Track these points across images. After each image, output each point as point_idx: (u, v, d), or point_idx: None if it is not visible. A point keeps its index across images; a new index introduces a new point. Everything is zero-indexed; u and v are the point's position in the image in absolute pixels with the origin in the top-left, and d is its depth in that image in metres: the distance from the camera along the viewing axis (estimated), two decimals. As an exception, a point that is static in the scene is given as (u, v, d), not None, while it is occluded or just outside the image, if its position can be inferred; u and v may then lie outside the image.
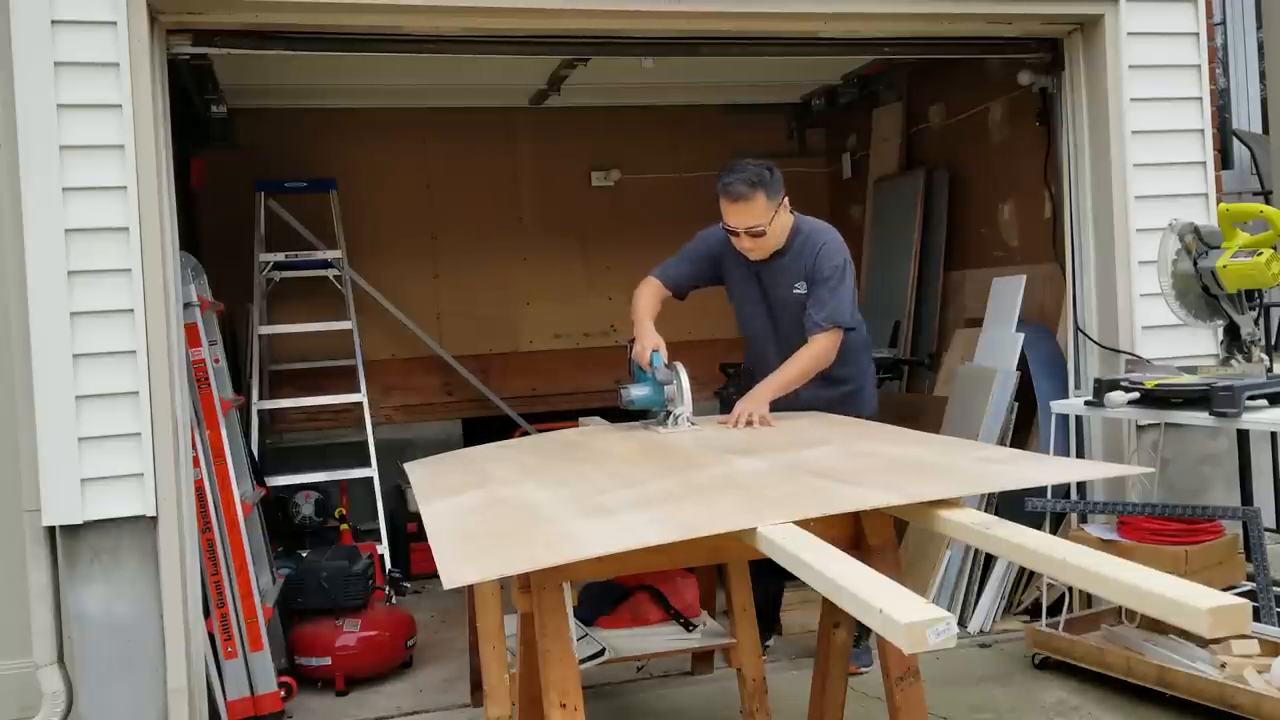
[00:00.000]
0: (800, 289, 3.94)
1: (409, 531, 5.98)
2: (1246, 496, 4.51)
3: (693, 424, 3.62)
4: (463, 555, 2.36)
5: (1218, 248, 4.02)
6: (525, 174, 7.26)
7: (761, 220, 3.82)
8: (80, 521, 3.65)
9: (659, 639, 3.90)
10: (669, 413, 3.64)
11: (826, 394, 3.99)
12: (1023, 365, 4.89)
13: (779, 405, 3.79)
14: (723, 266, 4.10)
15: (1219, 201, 4.56)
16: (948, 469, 2.72)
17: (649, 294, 4.08)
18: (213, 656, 3.98)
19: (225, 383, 4.64)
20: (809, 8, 4.33)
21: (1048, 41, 4.79)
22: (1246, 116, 7.26)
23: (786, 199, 3.90)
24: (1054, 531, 4.58)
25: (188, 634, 3.76)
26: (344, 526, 5.85)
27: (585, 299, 7.36)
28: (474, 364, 7.13)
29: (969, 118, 5.95)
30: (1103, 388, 4.05)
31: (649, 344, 3.80)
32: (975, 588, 4.70)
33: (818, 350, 3.85)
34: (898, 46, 4.90)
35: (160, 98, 3.83)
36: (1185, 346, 4.51)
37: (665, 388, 3.64)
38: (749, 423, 3.58)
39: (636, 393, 3.72)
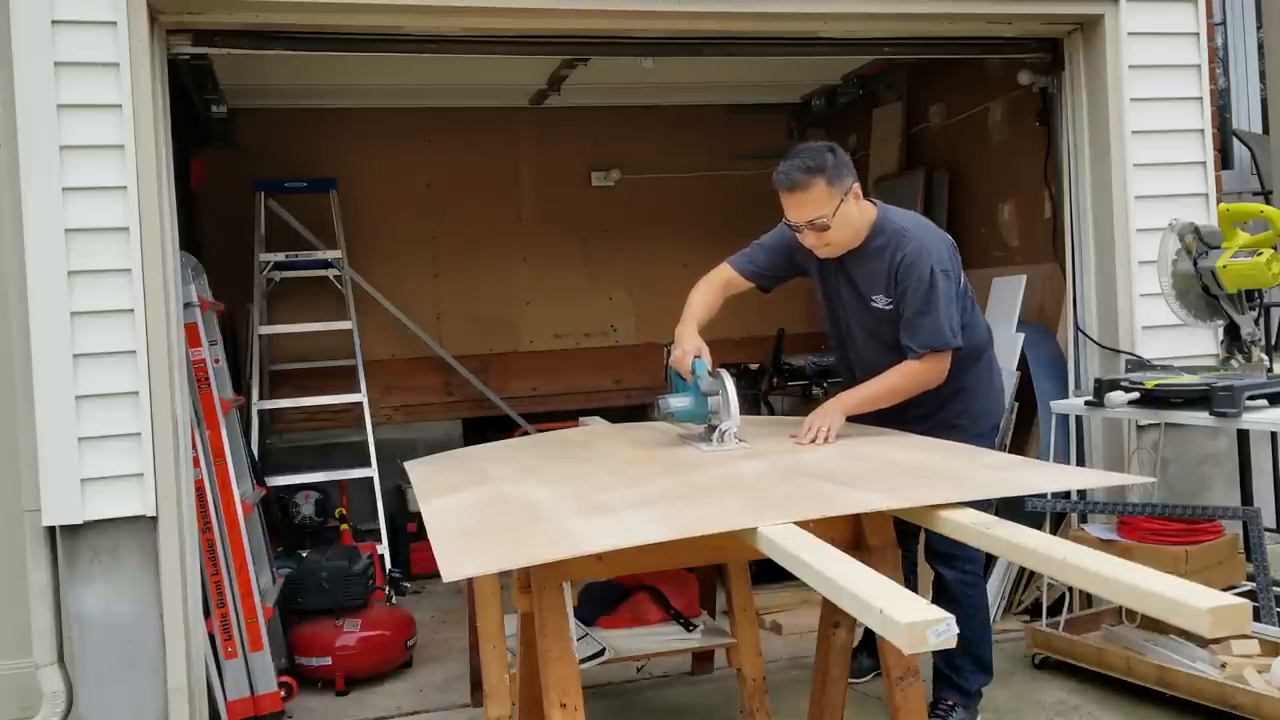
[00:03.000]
0: (880, 302, 3.40)
1: (409, 531, 5.98)
2: (1246, 496, 4.51)
3: (741, 441, 3.19)
4: (462, 550, 2.37)
5: (1218, 248, 4.02)
6: (525, 174, 7.26)
7: (823, 211, 3.27)
8: (80, 521, 3.65)
9: (659, 639, 3.89)
10: (713, 427, 3.23)
11: (911, 414, 3.42)
12: (1023, 365, 4.89)
13: (882, 423, 3.39)
14: (802, 258, 3.56)
15: (1219, 201, 4.55)
16: (949, 474, 2.71)
17: (710, 289, 3.60)
18: (213, 656, 3.97)
19: (225, 383, 4.64)
20: (809, 8, 4.33)
21: (1048, 41, 4.79)
22: (1247, 116, 7.27)
23: (857, 186, 3.34)
24: (1054, 531, 4.58)
25: (188, 634, 3.76)
26: (344, 526, 5.85)
27: (585, 299, 7.37)
28: (474, 364, 7.12)
29: (969, 118, 5.95)
30: (1103, 388, 4.05)
31: (690, 348, 3.35)
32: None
33: (915, 370, 3.32)
34: (898, 46, 4.90)
35: (160, 98, 3.82)
36: (1185, 346, 4.50)
37: (709, 399, 3.24)
38: (813, 439, 3.18)
39: (676, 404, 3.29)
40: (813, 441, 3.15)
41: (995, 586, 4.70)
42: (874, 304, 3.42)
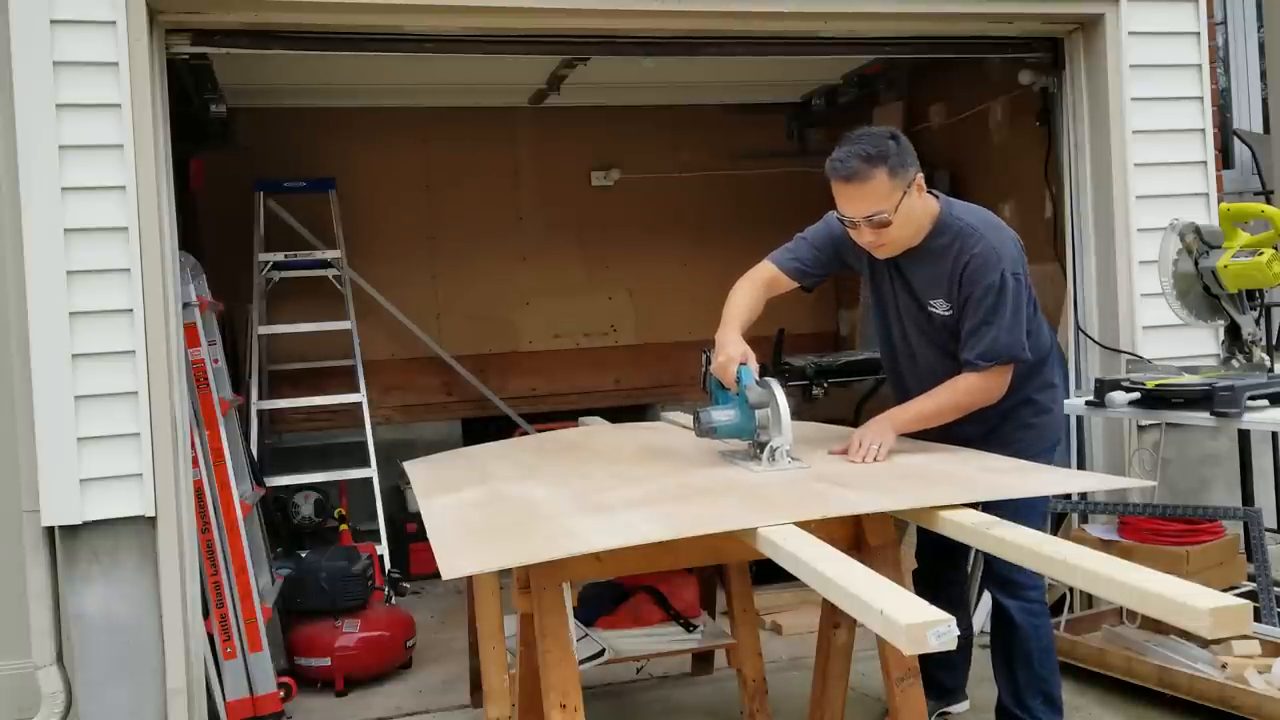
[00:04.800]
0: (939, 307, 3.07)
1: (408, 532, 5.98)
2: (1247, 497, 4.51)
3: (794, 460, 2.87)
4: (461, 548, 2.37)
5: (1219, 247, 4.02)
6: (525, 174, 7.26)
7: (883, 205, 2.92)
8: (79, 522, 3.64)
9: (659, 639, 3.90)
10: (761, 444, 2.89)
11: (968, 430, 3.10)
12: (1023, 365, 4.88)
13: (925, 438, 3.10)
14: (850, 255, 3.23)
15: (1220, 201, 4.55)
16: (949, 477, 2.70)
17: (751, 288, 3.23)
18: (212, 657, 3.97)
19: (224, 383, 4.63)
20: (809, 7, 4.32)
21: (1048, 41, 4.78)
22: (1247, 116, 7.26)
23: (921, 178, 3.02)
24: (1055, 531, 4.58)
25: (187, 634, 3.76)
26: (343, 527, 5.84)
27: (585, 299, 7.36)
28: (473, 364, 7.12)
29: (969, 117, 5.95)
30: (1104, 388, 4.04)
31: (735, 354, 2.97)
32: (976, 588, 4.69)
33: (973, 385, 3.01)
34: (898, 46, 4.90)
35: (160, 97, 3.82)
36: (1186, 346, 4.50)
37: (757, 413, 2.88)
38: (864, 458, 2.90)
39: (720, 418, 2.93)
40: (864, 460, 2.88)
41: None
42: (932, 309, 3.09)
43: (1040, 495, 2.95)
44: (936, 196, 3.10)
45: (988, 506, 2.78)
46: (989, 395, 3.03)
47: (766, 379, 2.94)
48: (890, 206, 2.93)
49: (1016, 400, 3.13)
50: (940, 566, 3.53)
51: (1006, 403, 3.10)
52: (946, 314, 3.07)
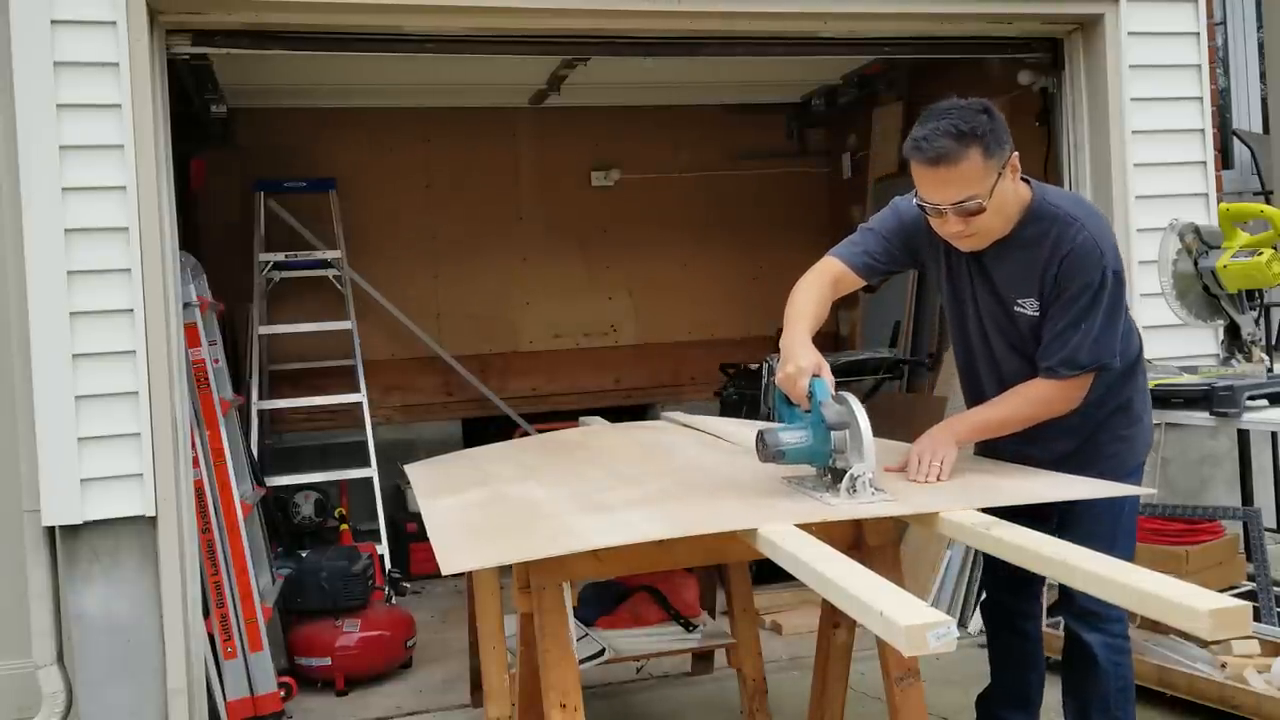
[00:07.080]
0: (1028, 307, 2.66)
1: (409, 531, 5.99)
2: (1247, 496, 4.51)
3: (878, 491, 2.42)
4: (461, 544, 2.38)
5: (1218, 247, 4.02)
6: (525, 174, 7.26)
7: (976, 191, 2.52)
8: (80, 522, 3.65)
9: (659, 639, 3.90)
10: (839, 470, 2.44)
11: (1057, 446, 2.77)
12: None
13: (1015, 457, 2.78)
14: (924, 247, 2.83)
15: (1219, 201, 4.56)
16: (951, 482, 2.67)
17: (817, 286, 2.80)
18: (212, 657, 3.98)
19: (225, 383, 4.64)
20: (809, 8, 4.33)
21: (1048, 41, 4.79)
22: (1247, 116, 7.27)
23: (1016, 158, 2.62)
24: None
25: (187, 634, 3.77)
26: (344, 526, 5.85)
27: (585, 299, 7.37)
28: (474, 364, 7.12)
29: (969, 117, 5.94)
30: (1103, 388, 4.04)
31: (806, 365, 2.51)
32: (975, 588, 4.69)
33: (1044, 395, 2.64)
34: (898, 46, 4.90)
35: (160, 98, 3.83)
36: (1186, 346, 4.50)
37: (833, 434, 2.43)
38: (930, 477, 2.58)
39: (789, 440, 2.47)
40: (925, 480, 2.57)
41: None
42: (1019, 309, 2.69)
43: (1046, 500, 2.62)
44: (1028, 182, 2.71)
45: (1061, 525, 2.75)
46: (1059, 408, 2.67)
47: (844, 394, 2.50)
48: (984, 191, 2.53)
49: (1112, 407, 2.76)
50: (1014, 602, 3.14)
51: (1102, 410, 2.74)
52: (1035, 314, 2.67)
